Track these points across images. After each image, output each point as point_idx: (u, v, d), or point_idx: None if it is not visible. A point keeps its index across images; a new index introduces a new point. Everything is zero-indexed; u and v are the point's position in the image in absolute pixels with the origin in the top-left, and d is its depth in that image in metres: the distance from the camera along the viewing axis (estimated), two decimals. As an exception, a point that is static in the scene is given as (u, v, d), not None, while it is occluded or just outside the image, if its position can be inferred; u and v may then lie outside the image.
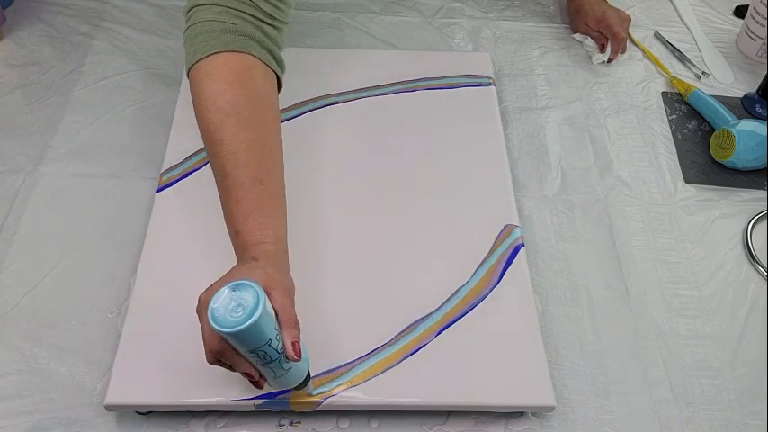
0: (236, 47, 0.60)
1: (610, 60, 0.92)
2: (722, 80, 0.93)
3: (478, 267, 0.66)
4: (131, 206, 0.72)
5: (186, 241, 0.66)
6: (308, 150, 0.74)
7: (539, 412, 0.61)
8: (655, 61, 0.94)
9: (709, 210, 0.78)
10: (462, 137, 0.77)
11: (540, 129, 0.84)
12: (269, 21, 0.63)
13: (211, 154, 0.58)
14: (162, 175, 0.70)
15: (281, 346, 0.48)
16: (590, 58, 0.93)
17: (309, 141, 0.75)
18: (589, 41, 0.94)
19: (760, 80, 0.90)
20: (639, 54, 0.95)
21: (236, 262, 0.55)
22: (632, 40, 0.96)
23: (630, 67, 0.93)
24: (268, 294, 0.48)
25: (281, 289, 0.51)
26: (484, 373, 0.59)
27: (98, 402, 0.59)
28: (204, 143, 0.59)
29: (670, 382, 0.64)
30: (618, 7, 0.95)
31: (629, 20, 0.94)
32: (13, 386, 0.60)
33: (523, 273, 0.66)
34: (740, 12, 1.02)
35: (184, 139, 0.73)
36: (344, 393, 0.57)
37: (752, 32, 0.94)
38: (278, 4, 0.63)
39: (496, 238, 0.68)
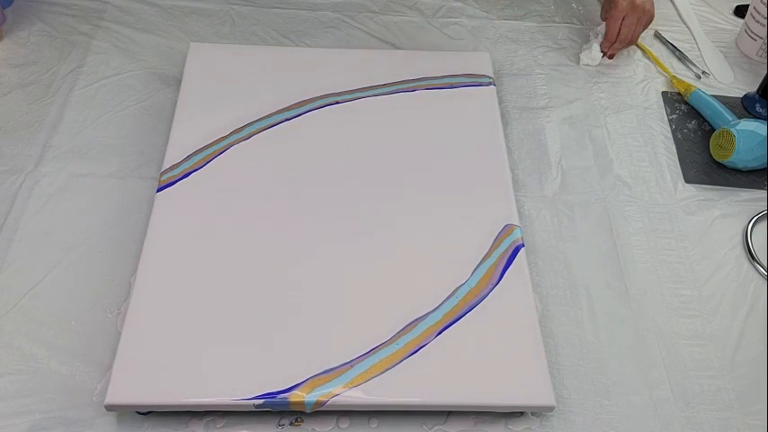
0: None
1: (608, 55, 0.91)
2: (722, 80, 0.93)
3: (478, 267, 0.66)
4: (131, 206, 0.72)
5: (186, 241, 0.66)
6: (308, 150, 0.74)
7: (539, 412, 0.61)
8: (655, 61, 0.94)
9: (709, 209, 0.77)
10: (462, 136, 0.77)
11: (540, 128, 0.84)
12: None
13: None
14: (162, 174, 0.70)
15: None
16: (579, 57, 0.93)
17: (309, 141, 0.75)
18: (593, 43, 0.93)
19: (760, 80, 0.90)
20: (639, 54, 0.95)
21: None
22: (636, 44, 0.95)
23: (630, 66, 0.93)
24: None
25: None
26: (484, 373, 0.59)
27: (98, 402, 0.59)
28: None
29: (670, 382, 0.64)
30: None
31: (647, 20, 0.91)
32: (13, 386, 0.60)
33: (523, 273, 0.66)
34: (740, 11, 1.02)
35: (184, 139, 0.73)
36: (344, 393, 0.57)
37: (752, 32, 0.94)
38: None
39: (496, 238, 0.68)
